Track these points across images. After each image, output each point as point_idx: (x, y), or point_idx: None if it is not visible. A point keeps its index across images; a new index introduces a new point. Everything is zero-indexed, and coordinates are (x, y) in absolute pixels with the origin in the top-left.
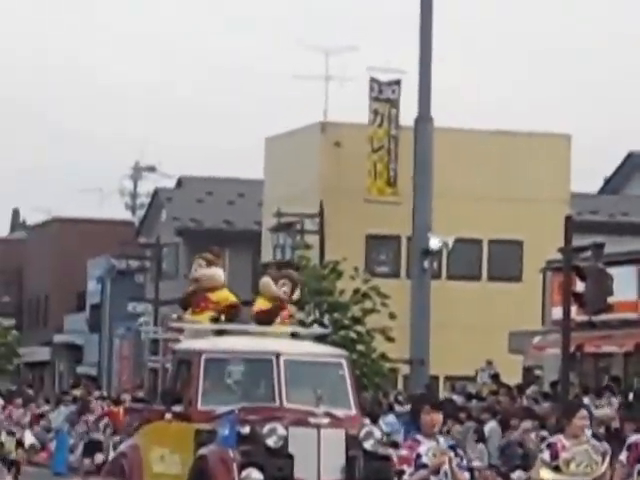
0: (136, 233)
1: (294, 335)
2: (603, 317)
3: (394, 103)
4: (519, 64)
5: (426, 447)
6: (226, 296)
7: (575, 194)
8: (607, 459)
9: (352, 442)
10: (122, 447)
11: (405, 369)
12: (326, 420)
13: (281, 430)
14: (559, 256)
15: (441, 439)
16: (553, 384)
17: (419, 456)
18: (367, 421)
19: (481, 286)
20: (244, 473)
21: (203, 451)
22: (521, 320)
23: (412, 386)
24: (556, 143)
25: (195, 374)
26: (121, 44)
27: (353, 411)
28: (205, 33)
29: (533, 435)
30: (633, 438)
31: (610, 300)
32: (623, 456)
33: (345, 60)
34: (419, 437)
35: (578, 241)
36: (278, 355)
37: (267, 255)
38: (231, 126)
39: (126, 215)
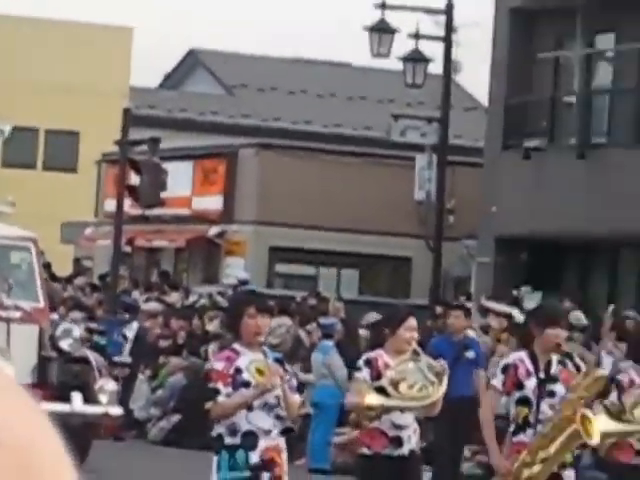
0: None
1: None
2: (156, 212)
3: None
4: None
5: (248, 360)
6: None
7: (135, 88)
8: (445, 380)
9: (45, 340)
10: None
11: None
12: (17, 314)
13: None
14: (116, 149)
15: (267, 350)
16: (102, 276)
17: (239, 371)
18: (56, 316)
19: (36, 175)
20: None
21: None
22: (75, 211)
23: None
24: (117, 36)
25: None
26: None
27: (41, 304)
28: None
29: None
30: (511, 359)
31: (164, 195)
32: (498, 381)
33: None
34: (238, 347)
35: (137, 135)
36: None
37: None
38: None
39: None
